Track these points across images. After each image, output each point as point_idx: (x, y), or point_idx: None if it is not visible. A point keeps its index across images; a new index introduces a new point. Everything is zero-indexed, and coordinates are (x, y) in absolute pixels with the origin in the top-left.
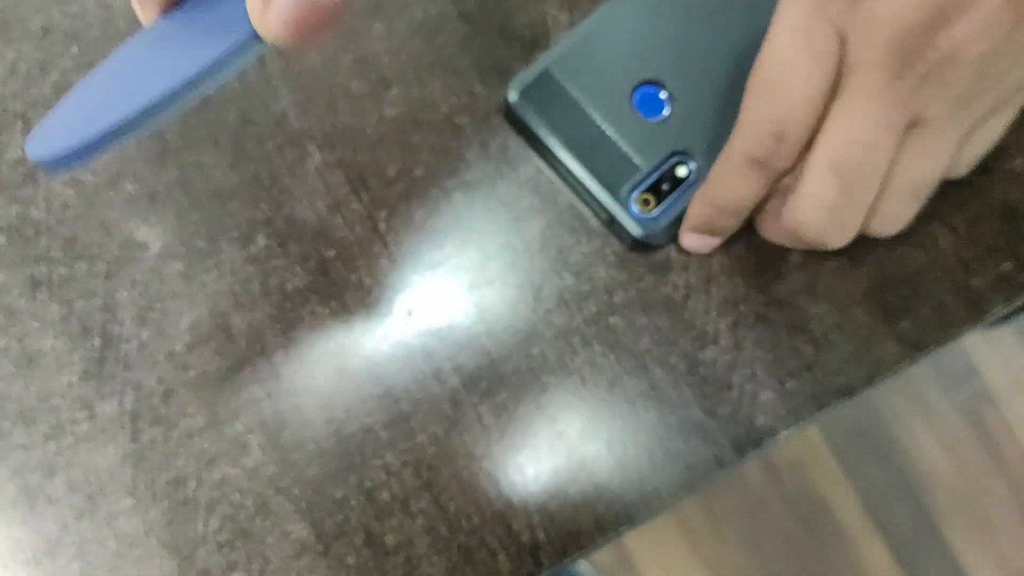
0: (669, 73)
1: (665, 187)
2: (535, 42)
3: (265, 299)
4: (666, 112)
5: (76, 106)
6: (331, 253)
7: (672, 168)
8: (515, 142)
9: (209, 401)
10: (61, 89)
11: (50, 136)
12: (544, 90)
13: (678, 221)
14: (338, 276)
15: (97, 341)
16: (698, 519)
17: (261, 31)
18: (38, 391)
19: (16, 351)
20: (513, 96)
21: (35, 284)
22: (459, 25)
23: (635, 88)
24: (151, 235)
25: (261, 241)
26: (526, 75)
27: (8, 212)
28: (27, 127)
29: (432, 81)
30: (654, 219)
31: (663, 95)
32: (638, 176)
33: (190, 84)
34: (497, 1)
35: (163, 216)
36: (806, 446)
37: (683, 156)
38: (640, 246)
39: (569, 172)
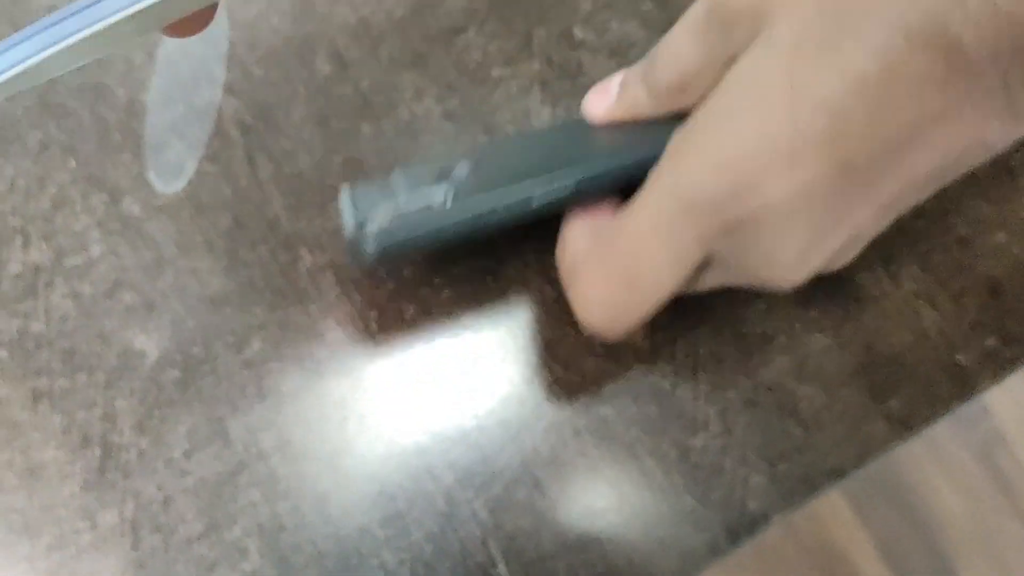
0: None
1: None
2: None
3: (261, 402)
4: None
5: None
6: (324, 354)
7: None
8: (500, 239)
9: (207, 507)
10: (59, 203)
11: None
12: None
13: None
14: (332, 378)
15: (97, 451)
16: (713, 569)
17: None
18: (41, 502)
19: (19, 464)
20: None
21: (36, 396)
22: (444, 124)
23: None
24: (148, 343)
25: (256, 345)
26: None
27: (9, 326)
28: (26, 241)
29: None
30: None
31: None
32: None
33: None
34: (480, 99)
35: (160, 324)
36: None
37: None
38: None
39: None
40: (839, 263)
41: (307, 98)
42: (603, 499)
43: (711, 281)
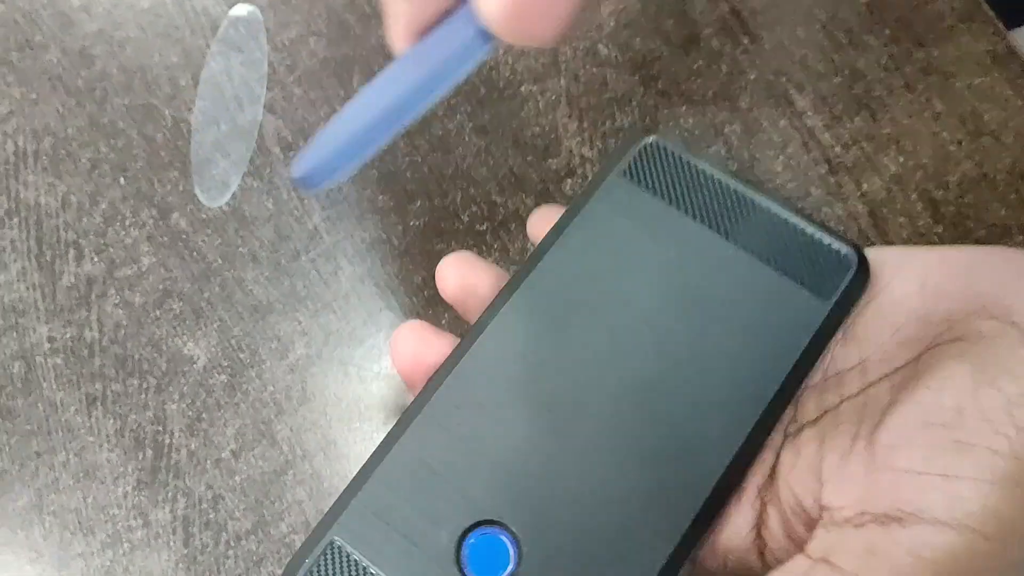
0: (511, 509)
1: None
2: (547, 150)
3: (305, 405)
4: (512, 568)
5: (327, 129)
6: (366, 358)
7: None
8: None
9: (255, 505)
10: (110, 218)
11: (307, 157)
12: (333, 572)
13: None
14: (373, 381)
15: (149, 452)
16: None
17: (486, 20)
18: (95, 501)
19: (75, 465)
20: None
21: (91, 401)
22: (475, 138)
23: (460, 540)
24: (197, 349)
25: (300, 350)
26: (302, 557)
27: (64, 335)
28: (79, 254)
29: (453, 192)
30: None
31: (506, 541)
32: None
33: (422, 87)
34: (510, 113)
35: (207, 331)
36: None
37: None
38: None
39: None
40: None
41: None
42: None
43: None
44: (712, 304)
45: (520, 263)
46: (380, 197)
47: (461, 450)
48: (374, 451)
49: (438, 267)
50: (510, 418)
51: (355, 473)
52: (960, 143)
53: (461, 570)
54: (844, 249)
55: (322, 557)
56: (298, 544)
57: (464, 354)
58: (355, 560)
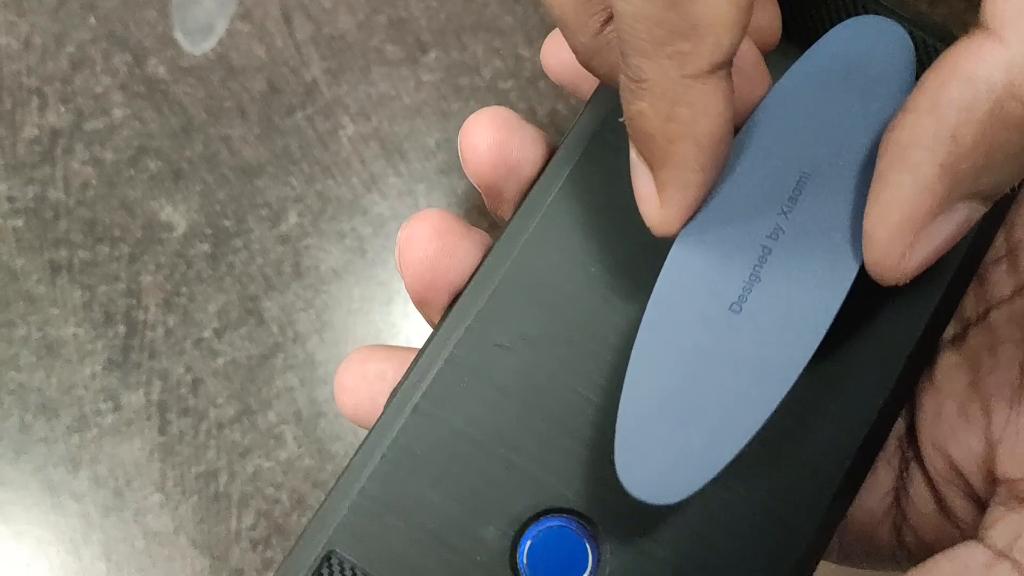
0: (586, 492)
1: None
2: None
3: (298, 280)
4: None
5: (664, 414)
6: (367, 231)
7: None
8: (564, 106)
9: (239, 391)
10: (78, 63)
11: (649, 464)
12: None
13: None
14: (375, 255)
15: (121, 328)
16: None
17: (887, 270)
18: (60, 382)
19: (37, 340)
20: None
21: (55, 269)
22: None
23: (516, 538)
24: (176, 215)
25: (292, 219)
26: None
27: (25, 193)
28: (43, 103)
29: (473, 44)
30: None
31: (583, 539)
32: None
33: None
34: None
35: (188, 195)
36: None
37: None
38: None
39: None
40: None
41: None
42: None
43: None
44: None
45: (548, 128)
46: (389, 47)
47: (512, 409)
48: (380, 417)
49: (465, 127)
50: (582, 361)
51: (361, 441)
52: None
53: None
54: None
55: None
56: (289, 438)
57: (503, 266)
58: (359, 571)
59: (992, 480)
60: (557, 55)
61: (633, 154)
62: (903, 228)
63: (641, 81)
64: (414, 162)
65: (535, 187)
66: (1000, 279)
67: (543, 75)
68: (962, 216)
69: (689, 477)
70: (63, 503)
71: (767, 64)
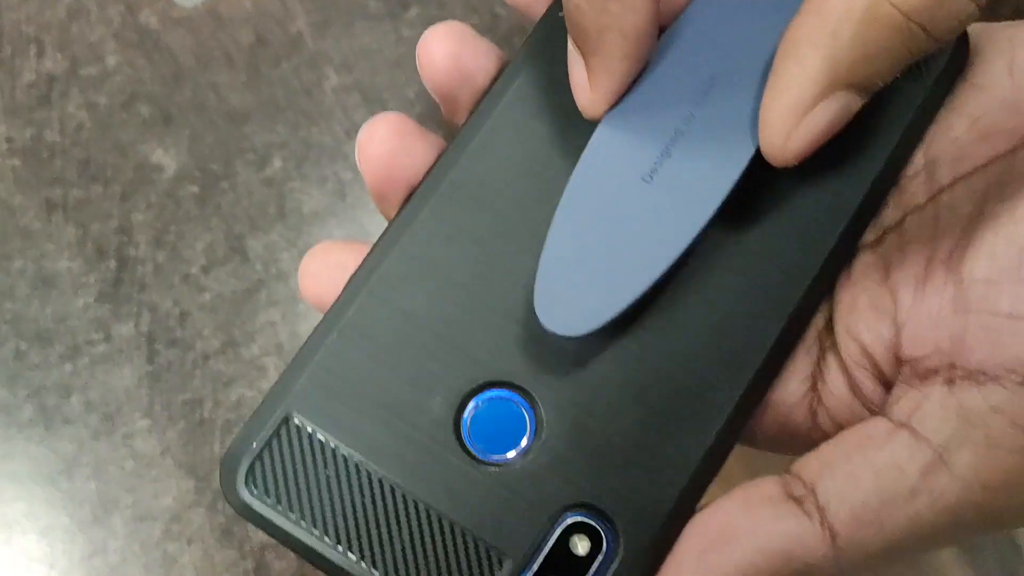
0: (526, 366)
1: None
2: None
3: (281, 221)
4: (528, 442)
5: (578, 261)
6: (348, 176)
7: (564, 544)
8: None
9: (225, 324)
10: (74, 12)
11: (563, 302)
12: (290, 455)
13: None
14: (355, 199)
15: (113, 263)
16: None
17: (775, 149)
18: (54, 312)
19: (32, 272)
20: (242, 489)
21: (50, 206)
22: None
23: (459, 408)
24: (166, 158)
25: (277, 163)
26: (249, 439)
27: (23, 134)
28: (41, 50)
29: (452, 1)
30: None
31: (521, 409)
32: None
33: (702, 230)
34: None
35: (178, 138)
36: None
37: (581, 514)
38: None
39: None
40: None
41: None
42: None
43: None
44: None
45: None
46: (372, 3)
47: (455, 292)
48: (337, 299)
49: (423, 39)
50: (518, 250)
51: (314, 327)
52: None
53: (463, 445)
54: None
55: (275, 438)
56: (271, 369)
57: (456, 162)
58: (319, 440)
59: (898, 362)
60: None
61: (570, 45)
62: (790, 112)
63: None
64: (393, 111)
65: (486, 96)
66: (917, 189)
67: (519, 31)
68: (841, 104)
69: (596, 313)
70: (56, 426)
71: None
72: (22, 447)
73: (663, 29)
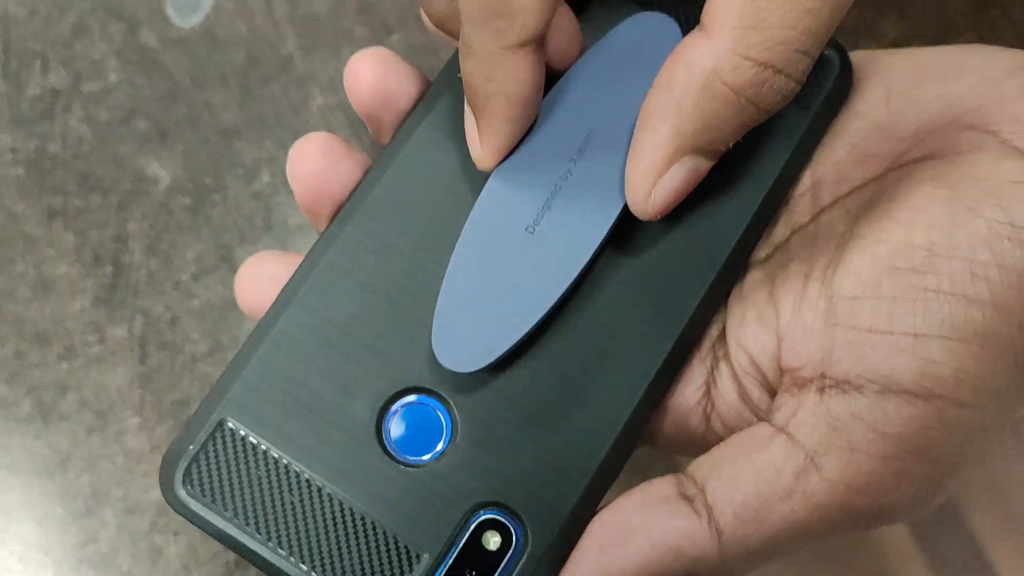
0: (442, 373)
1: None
2: None
3: (267, 233)
4: (444, 445)
5: (470, 305)
6: None
7: (477, 540)
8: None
9: (212, 328)
10: (78, 30)
11: (458, 342)
12: (224, 457)
13: None
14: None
15: (109, 269)
16: None
17: (638, 207)
18: (52, 314)
19: (33, 276)
20: (179, 489)
21: (51, 214)
22: None
23: (381, 413)
24: (161, 171)
25: (265, 178)
26: (186, 443)
27: (27, 146)
28: (45, 65)
29: None
30: None
31: (438, 414)
32: (420, 572)
33: (581, 272)
34: None
35: (173, 153)
36: None
37: (492, 512)
38: None
39: None
40: None
41: None
42: None
43: None
44: None
45: None
46: (357, 27)
47: (377, 303)
48: (268, 310)
49: (349, 64)
50: (437, 262)
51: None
52: (964, 13)
53: (384, 447)
54: (825, 50)
55: (210, 441)
56: None
57: (377, 182)
58: (251, 443)
59: (780, 371)
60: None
61: (466, 103)
62: (647, 174)
63: (469, 47)
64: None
65: (407, 119)
66: (803, 209)
67: None
68: (689, 166)
69: (485, 353)
70: (52, 422)
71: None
72: (20, 441)
73: (556, 80)
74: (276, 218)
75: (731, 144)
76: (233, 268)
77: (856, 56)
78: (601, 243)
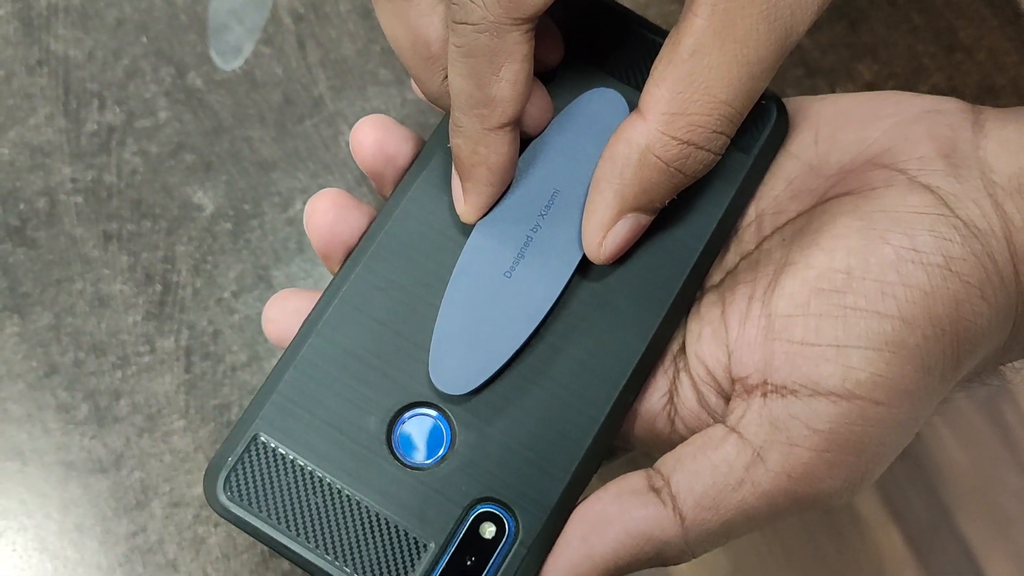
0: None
1: (471, 562)
2: None
3: (300, 255)
4: (444, 450)
5: (460, 338)
6: None
7: (475, 530)
8: None
9: (251, 341)
10: (131, 73)
11: (451, 369)
12: (258, 467)
13: None
14: None
15: (158, 287)
16: None
17: (593, 255)
18: (108, 328)
19: (90, 293)
20: (221, 495)
21: (107, 238)
22: None
23: (390, 425)
24: (205, 199)
25: (298, 205)
26: (225, 455)
27: (86, 176)
28: (102, 104)
29: None
30: None
31: (439, 424)
32: (428, 559)
33: (551, 308)
34: None
35: (216, 183)
36: None
37: (488, 505)
38: None
39: None
40: None
41: None
42: None
43: None
44: None
45: None
46: (382, 70)
47: (385, 333)
48: (293, 339)
49: (354, 130)
50: (433, 297)
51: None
52: (933, 56)
53: (394, 454)
54: (762, 99)
55: (246, 453)
56: None
57: (381, 231)
58: (281, 454)
59: (732, 380)
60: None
61: (453, 168)
62: (597, 229)
63: (459, 126)
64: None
65: (406, 175)
66: (749, 237)
67: None
68: (632, 221)
69: (473, 378)
70: (107, 424)
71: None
72: (78, 441)
73: (530, 141)
74: (308, 242)
75: (667, 202)
76: (270, 286)
77: (791, 103)
78: (566, 284)
